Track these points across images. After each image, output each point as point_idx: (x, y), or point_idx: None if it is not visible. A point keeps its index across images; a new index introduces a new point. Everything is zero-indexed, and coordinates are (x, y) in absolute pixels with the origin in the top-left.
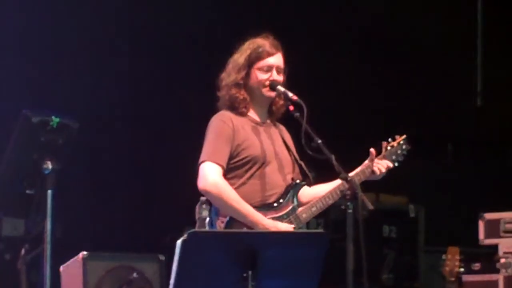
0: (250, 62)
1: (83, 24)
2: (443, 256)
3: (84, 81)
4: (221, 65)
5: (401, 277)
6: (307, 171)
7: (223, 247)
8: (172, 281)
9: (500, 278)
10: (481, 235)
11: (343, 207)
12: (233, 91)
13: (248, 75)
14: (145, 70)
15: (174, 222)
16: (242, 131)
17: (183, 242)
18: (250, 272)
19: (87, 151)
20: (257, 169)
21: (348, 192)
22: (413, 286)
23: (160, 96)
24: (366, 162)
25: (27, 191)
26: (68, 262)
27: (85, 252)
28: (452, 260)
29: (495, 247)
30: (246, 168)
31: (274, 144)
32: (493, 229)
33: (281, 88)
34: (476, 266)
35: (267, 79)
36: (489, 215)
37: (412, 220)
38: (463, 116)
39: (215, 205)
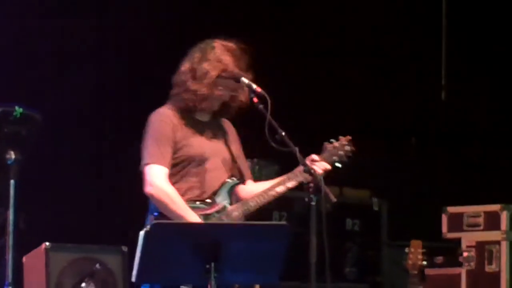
0: (216, 77)
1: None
2: (406, 250)
3: (49, 72)
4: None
5: (364, 271)
6: (242, 170)
7: (186, 238)
8: (134, 272)
9: (462, 271)
10: (444, 229)
11: (306, 200)
12: (196, 99)
13: (211, 88)
14: (110, 67)
15: (138, 214)
16: (181, 130)
17: (146, 233)
18: (212, 264)
19: (51, 142)
20: (194, 167)
21: (311, 185)
22: (376, 280)
23: (126, 88)
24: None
25: None
26: (31, 253)
27: (47, 243)
28: (415, 253)
29: (458, 241)
30: (181, 166)
31: (214, 143)
32: (456, 223)
33: (245, 80)
34: (439, 259)
35: (227, 97)
36: (452, 209)
37: (375, 214)
38: (427, 110)
39: (159, 209)
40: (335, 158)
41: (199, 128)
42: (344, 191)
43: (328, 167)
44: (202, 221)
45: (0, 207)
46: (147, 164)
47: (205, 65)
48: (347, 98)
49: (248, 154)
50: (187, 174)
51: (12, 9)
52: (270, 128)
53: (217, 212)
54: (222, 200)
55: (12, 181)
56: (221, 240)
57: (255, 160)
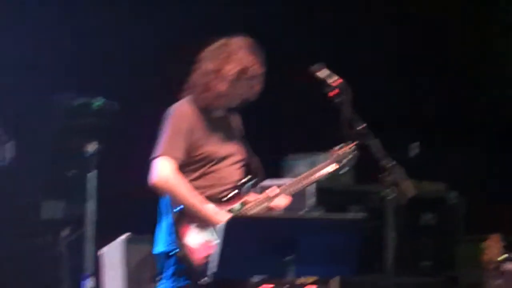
0: (240, 78)
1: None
2: (483, 244)
3: (126, 64)
4: None
5: (439, 265)
6: (258, 166)
7: (263, 232)
8: (214, 264)
9: None
10: None
11: (382, 193)
12: (219, 100)
13: (234, 86)
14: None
15: None
16: (199, 127)
17: (225, 227)
18: (289, 258)
19: (128, 133)
20: (212, 165)
21: (388, 178)
22: (451, 274)
23: None
24: (266, 193)
25: (69, 173)
26: (109, 245)
27: (126, 235)
28: (492, 248)
29: None
30: (201, 164)
31: (230, 139)
32: None
33: (325, 72)
34: None
35: (246, 96)
36: None
37: (451, 208)
38: (506, 104)
39: (170, 199)
40: (343, 162)
41: (216, 126)
42: (420, 185)
43: (286, 203)
44: (222, 212)
45: (78, 199)
46: (157, 156)
47: (230, 66)
48: (426, 91)
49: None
50: (207, 171)
51: None
52: (350, 120)
53: (237, 207)
54: (238, 197)
55: (91, 173)
56: (298, 233)
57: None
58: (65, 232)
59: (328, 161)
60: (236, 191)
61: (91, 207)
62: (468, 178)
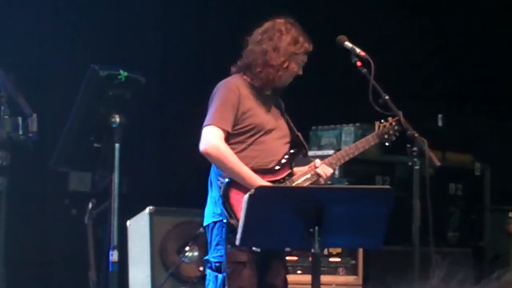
0: (297, 52)
1: None
2: (509, 214)
3: (152, 37)
4: None
5: (466, 235)
6: (303, 141)
7: (289, 202)
8: (238, 235)
9: None
10: None
11: (409, 164)
12: (280, 73)
13: (291, 62)
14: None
15: None
16: (248, 100)
17: (250, 196)
18: (316, 228)
19: (155, 105)
20: (259, 137)
21: (415, 149)
22: (478, 244)
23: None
24: (311, 165)
25: (95, 145)
26: (135, 217)
27: (151, 207)
28: None
29: None
30: (249, 135)
31: (276, 114)
32: None
33: (349, 44)
34: None
35: (297, 72)
36: None
37: (478, 178)
38: None
39: (216, 167)
40: (386, 136)
41: (264, 100)
42: (447, 156)
43: (331, 172)
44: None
45: (104, 171)
46: (207, 125)
47: (286, 42)
48: (452, 64)
49: (350, 119)
50: (254, 142)
51: None
52: (374, 91)
53: (283, 179)
54: (286, 168)
55: (116, 145)
56: (324, 203)
57: (358, 124)
58: (90, 205)
59: (373, 134)
60: (284, 161)
61: (116, 179)
62: (494, 149)
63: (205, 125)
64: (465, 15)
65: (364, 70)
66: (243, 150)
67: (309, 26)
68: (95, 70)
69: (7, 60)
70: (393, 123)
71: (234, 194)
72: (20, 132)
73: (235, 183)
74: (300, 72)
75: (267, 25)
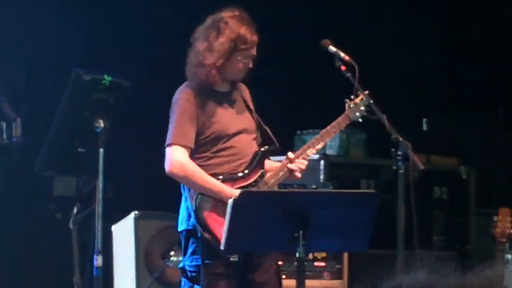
0: (234, 49)
1: None
2: (494, 218)
3: (136, 40)
4: None
5: (452, 239)
6: (271, 135)
7: (274, 206)
8: (223, 240)
9: None
10: None
11: (394, 167)
12: (213, 72)
13: (228, 59)
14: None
15: None
16: (207, 108)
17: (234, 201)
18: (301, 232)
19: (139, 110)
20: (224, 142)
21: (399, 153)
22: (464, 248)
23: None
24: (283, 161)
25: (79, 150)
26: (120, 222)
27: (136, 212)
28: (503, 221)
29: None
30: (213, 143)
31: (239, 113)
32: None
33: (333, 48)
34: None
35: (246, 67)
36: None
37: (463, 182)
38: None
39: (187, 186)
40: (358, 114)
41: (222, 102)
42: (431, 159)
43: (305, 163)
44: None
45: (89, 175)
46: (170, 144)
47: (222, 39)
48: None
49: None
50: (219, 149)
51: None
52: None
53: (255, 181)
54: (257, 169)
55: (101, 149)
56: (310, 207)
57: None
58: (75, 209)
59: (343, 115)
60: (254, 163)
61: (100, 184)
62: (479, 152)
63: (167, 145)
64: (452, 19)
65: (349, 74)
66: (210, 158)
67: (293, 29)
68: (79, 74)
69: None
70: (363, 98)
71: (208, 206)
72: (4, 136)
73: (206, 196)
74: (249, 66)
75: (208, 21)
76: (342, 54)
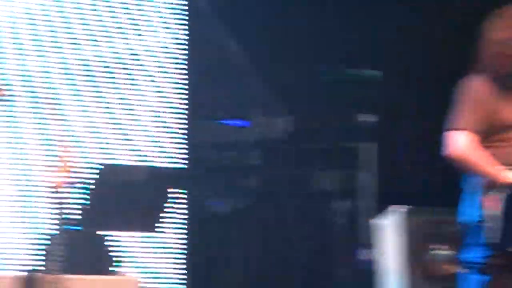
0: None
1: None
2: None
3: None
4: None
5: None
6: None
7: None
8: (495, 235)
9: None
10: None
11: None
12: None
13: None
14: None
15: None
16: (495, 96)
17: (508, 196)
18: None
19: (411, 103)
20: (508, 133)
21: None
22: None
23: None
24: None
25: (343, 144)
26: (388, 216)
27: (406, 207)
28: None
29: None
30: (497, 132)
31: None
32: None
33: None
34: None
35: None
36: None
37: None
38: None
39: (465, 171)
40: None
41: (506, 95)
42: None
43: None
44: None
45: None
46: (453, 128)
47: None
48: None
49: None
50: (503, 139)
51: None
52: None
53: None
54: None
55: (366, 143)
56: None
57: None
58: (338, 202)
59: None
60: None
61: (368, 178)
62: None
63: (451, 128)
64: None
65: None
66: (492, 148)
67: None
68: (338, 70)
69: None
70: None
71: (487, 194)
72: None
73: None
74: None
75: (506, 12)
76: None
